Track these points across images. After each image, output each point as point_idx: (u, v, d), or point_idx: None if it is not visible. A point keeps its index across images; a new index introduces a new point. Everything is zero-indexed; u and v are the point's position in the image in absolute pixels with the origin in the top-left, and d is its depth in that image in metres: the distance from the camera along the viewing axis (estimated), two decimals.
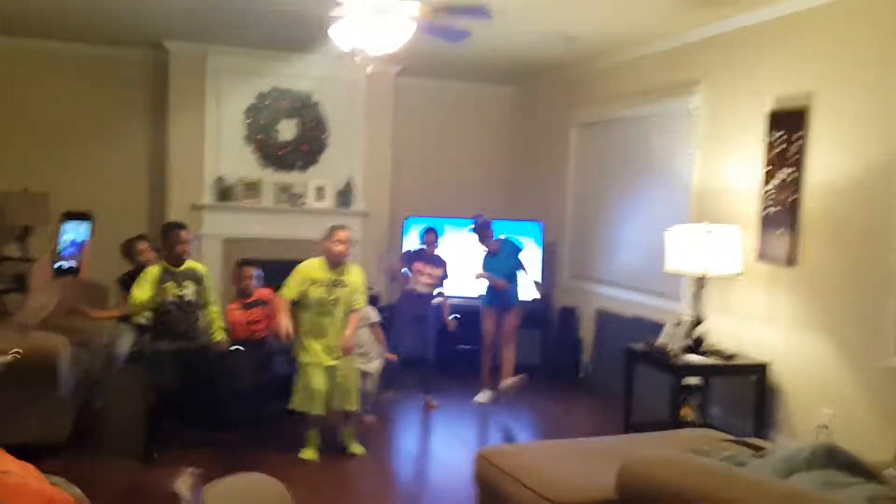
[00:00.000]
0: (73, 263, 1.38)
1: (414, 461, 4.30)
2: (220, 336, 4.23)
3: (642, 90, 5.44)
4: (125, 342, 4.31)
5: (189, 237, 4.16)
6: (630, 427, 4.43)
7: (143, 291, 3.91)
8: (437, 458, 4.17)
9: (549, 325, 6.20)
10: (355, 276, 4.17)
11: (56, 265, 1.38)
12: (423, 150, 7.07)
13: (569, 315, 6.10)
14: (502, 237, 5.40)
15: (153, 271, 4.00)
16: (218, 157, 6.31)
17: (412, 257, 5.28)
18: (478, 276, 5.31)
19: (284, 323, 3.96)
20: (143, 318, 4.15)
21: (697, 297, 4.36)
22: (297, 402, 4.03)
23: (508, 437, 4.73)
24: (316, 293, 4.02)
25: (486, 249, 5.33)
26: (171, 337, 4.02)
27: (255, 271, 4.62)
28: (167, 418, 4.10)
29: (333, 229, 4.11)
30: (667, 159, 5.26)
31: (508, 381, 5.24)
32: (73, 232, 1.36)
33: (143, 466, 3.82)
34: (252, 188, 6.38)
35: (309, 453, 4.06)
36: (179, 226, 4.21)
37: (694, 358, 4.22)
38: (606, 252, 5.93)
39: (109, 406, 4.33)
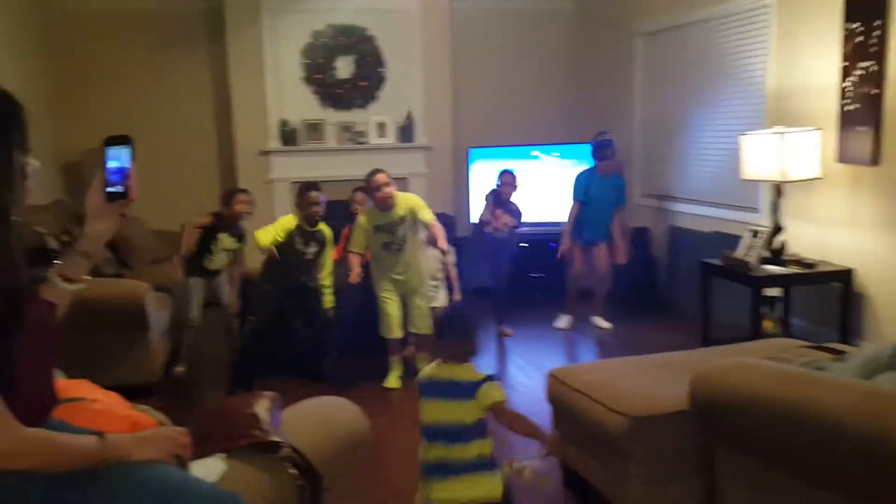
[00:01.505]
0: (120, 188, 1.41)
1: None
2: (329, 303, 4.41)
3: None
4: (196, 297, 4.48)
5: (319, 198, 4.30)
6: (708, 343, 4.34)
7: (266, 235, 4.19)
8: (511, 382, 4.21)
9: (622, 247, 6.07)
10: (405, 204, 4.19)
11: (106, 191, 1.41)
12: (484, 77, 6.90)
13: (641, 235, 5.96)
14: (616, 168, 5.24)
15: (290, 221, 4.27)
16: (280, 100, 6.37)
17: (490, 200, 5.22)
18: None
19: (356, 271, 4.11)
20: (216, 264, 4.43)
21: (776, 205, 4.18)
22: (382, 330, 4.22)
23: (584, 360, 4.74)
24: (381, 239, 4.14)
25: (599, 170, 5.18)
26: (282, 283, 4.25)
27: (365, 198, 4.64)
28: (260, 358, 4.28)
29: (373, 176, 4.15)
30: (739, 62, 4.98)
31: (601, 322, 5.28)
32: (117, 157, 1.39)
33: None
34: (315, 129, 6.43)
35: (392, 381, 4.20)
36: (312, 186, 4.36)
37: (774, 268, 4.08)
38: (678, 167, 5.72)
39: (198, 347, 4.56)
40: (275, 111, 6.36)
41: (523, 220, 5.35)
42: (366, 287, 4.38)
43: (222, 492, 1.42)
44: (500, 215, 5.15)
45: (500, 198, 5.21)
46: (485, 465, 2.09)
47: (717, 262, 4.37)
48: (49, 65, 5.95)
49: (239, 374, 4.18)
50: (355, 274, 4.12)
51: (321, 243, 4.38)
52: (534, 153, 6.21)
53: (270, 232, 4.25)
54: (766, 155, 4.08)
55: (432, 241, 4.30)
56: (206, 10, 6.41)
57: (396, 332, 4.21)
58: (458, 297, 4.71)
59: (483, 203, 5.34)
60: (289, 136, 6.36)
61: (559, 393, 2.86)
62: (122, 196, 1.42)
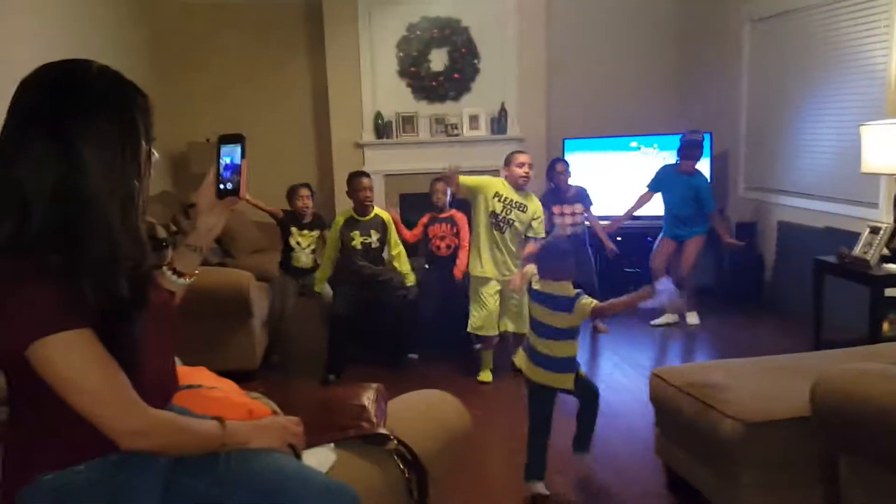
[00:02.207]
0: (231, 185, 1.43)
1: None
2: (411, 280, 4.41)
3: None
4: (288, 295, 4.57)
5: (369, 184, 4.35)
6: (821, 346, 4.10)
7: (329, 249, 4.36)
8: (607, 380, 4.10)
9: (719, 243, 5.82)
10: (536, 204, 4.16)
11: (218, 187, 1.44)
12: (580, 67, 6.71)
13: (747, 230, 5.68)
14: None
15: (338, 222, 4.33)
16: (374, 93, 6.42)
17: (548, 201, 5.02)
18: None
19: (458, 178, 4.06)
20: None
21: None
22: (472, 324, 4.16)
23: (685, 360, 4.57)
24: (494, 206, 4.05)
25: (684, 171, 5.01)
26: (355, 274, 4.30)
27: (446, 188, 4.66)
28: (349, 346, 4.37)
29: (513, 154, 4.15)
30: (857, 49, 4.66)
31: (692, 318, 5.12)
32: (230, 154, 1.42)
33: (322, 387, 4.13)
34: (408, 122, 6.46)
35: (485, 375, 4.17)
36: (361, 174, 4.43)
37: (895, 267, 3.81)
38: (788, 159, 5.42)
39: (292, 335, 4.68)
40: (370, 104, 6.43)
41: (621, 212, 5.19)
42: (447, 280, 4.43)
43: (336, 483, 1.42)
44: (560, 209, 4.93)
45: (557, 192, 4.99)
46: (567, 364, 2.77)
47: (831, 259, 4.12)
48: (155, 57, 6.21)
49: (330, 364, 4.28)
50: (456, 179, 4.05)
51: (381, 229, 4.36)
52: (633, 144, 6.03)
53: (327, 257, 4.38)
54: (889, 146, 3.80)
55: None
56: (305, 4, 6.54)
57: (492, 330, 4.13)
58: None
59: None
60: (383, 128, 6.42)
61: (664, 394, 2.75)
62: (233, 193, 1.45)
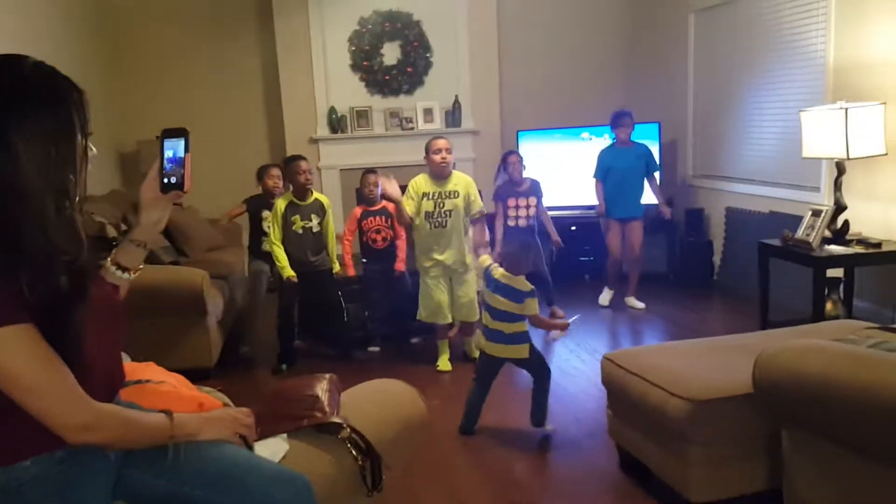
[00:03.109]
0: (175, 178, 1.43)
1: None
2: (336, 268, 4.43)
3: None
4: (264, 278, 4.57)
5: (308, 167, 4.32)
6: (768, 326, 4.24)
7: (275, 233, 4.22)
8: (563, 366, 4.17)
9: (675, 228, 5.97)
10: (463, 182, 4.17)
11: (163, 181, 1.43)
12: (532, 59, 6.80)
13: (696, 216, 5.84)
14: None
15: (279, 206, 4.23)
16: (327, 88, 6.41)
17: (503, 193, 5.06)
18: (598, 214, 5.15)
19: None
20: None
21: (838, 183, 4.03)
22: (423, 314, 4.21)
23: (637, 344, 4.67)
24: (427, 207, 4.08)
25: (617, 139, 5.13)
26: (298, 263, 4.25)
27: (378, 180, 4.66)
28: (296, 335, 4.41)
29: (431, 141, 4.15)
30: (797, 36, 4.81)
31: (635, 302, 5.22)
32: (173, 148, 1.41)
33: (274, 377, 4.17)
34: (362, 116, 6.46)
35: (443, 364, 4.21)
36: (299, 157, 4.40)
37: (837, 248, 3.95)
38: (734, 146, 5.57)
39: (254, 328, 4.67)
40: (323, 99, 6.40)
41: (573, 202, 5.27)
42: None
43: (288, 471, 1.44)
44: (514, 202, 4.96)
45: (512, 184, 5.02)
46: (519, 337, 3.19)
47: (776, 242, 4.25)
48: (102, 54, 6.08)
49: (282, 355, 4.32)
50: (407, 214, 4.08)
51: (320, 212, 4.33)
52: (584, 135, 6.12)
53: (274, 239, 4.27)
54: (828, 131, 3.93)
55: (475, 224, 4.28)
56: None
57: (446, 318, 4.19)
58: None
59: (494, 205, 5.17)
60: (337, 123, 6.40)
61: (615, 376, 2.82)
62: (177, 187, 1.44)
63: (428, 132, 6.41)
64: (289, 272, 4.20)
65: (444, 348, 4.26)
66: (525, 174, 4.99)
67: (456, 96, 6.47)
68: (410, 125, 6.47)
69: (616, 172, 5.11)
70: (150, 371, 1.64)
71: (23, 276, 1.14)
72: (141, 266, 1.49)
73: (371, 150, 6.42)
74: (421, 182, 4.14)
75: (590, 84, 6.88)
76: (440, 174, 4.09)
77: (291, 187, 4.33)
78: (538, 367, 3.27)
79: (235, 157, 6.40)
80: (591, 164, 5.30)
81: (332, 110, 6.39)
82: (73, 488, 1.26)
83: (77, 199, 1.25)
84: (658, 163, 5.34)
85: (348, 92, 6.43)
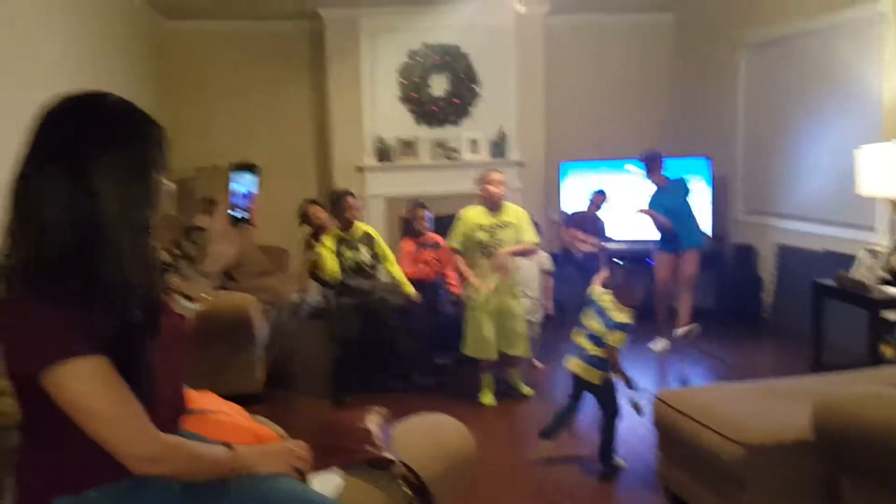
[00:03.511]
0: (245, 213, 1.46)
1: (588, 406, 4.27)
2: (409, 290, 4.44)
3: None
4: (312, 297, 4.63)
5: (356, 203, 4.40)
6: (821, 368, 4.11)
7: (331, 264, 4.26)
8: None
9: (724, 265, 5.86)
10: (516, 214, 4.18)
11: (232, 215, 1.46)
12: (579, 92, 6.83)
13: (745, 253, 5.73)
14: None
15: (327, 242, 4.29)
16: (375, 118, 6.50)
17: (569, 221, 5.17)
18: (640, 211, 5.08)
19: (475, 281, 4.06)
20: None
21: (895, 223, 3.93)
22: (469, 349, 4.17)
23: (685, 382, 4.57)
24: (480, 236, 4.08)
25: (654, 184, 5.09)
26: (354, 295, 4.30)
27: (427, 213, 4.69)
28: (353, 367, 4.39)
29: (486, 172, 4.17)
30: (852, 74, 4.73)
31: (682, 330, 5.07)
32: (243, 183, 1.44)
33: (333, 408, 4.14)
34: (409, 146, 6.53)
35: (486, 397, 4.17)
36: (346, 193, 4.46)
37: (894, 290, 3.83)
38: (786, 183, 5.47)
39: (299, 356, 4.71)
40: (371, 128, 6.50)
41: (619, 236, 5.26)
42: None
43: None
44: (575, 233, 5.06)
45: (584, 218, 5.14)
46: (597, 362, 3.22)
47: (831, 282, 4.15)
48: (161, 84, 6.28)
49: (340, 385, 4.32)
50: (478, 285, 4.04)
51: (370, 243, 4.41)
52: (628, 167, 6.08)
53: (328, 259, 4.33)
54: (885, 170, 3.85)
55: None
56: (308, 32, 6.63)
57: (491, 354, 4.13)
58: (547, 311, 4.68)
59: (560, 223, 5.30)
60: (384, 152, 6.48)
61: (667, 417, 2.77)
62: (246, 221, 1.47)
63: (473, 163, 6.47)
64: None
65: (488, 382, 4.22)
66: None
67: (501, 127, 6.51)
68: (456, 155, 6.52)
69: (665, 212, 5.04)
70: (208, 400, 1.66)
71: (99, 308, 1.17)
72: (208, 297, 1.51)
73: (417, 179, 6.48)
74: (477, 212, 4.16)
75: (635, 117, 6.86)
76: (493, 206, 4.11)
77: (337, 221, 4.40)
78: (606, 401, 3.26)
79: (285, 183, 6.49)
80: (635, 198, 5.28)
81: (379, 139, 6.47)
82: None
83: (152, 232, 1.28)
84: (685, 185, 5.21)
85: (396, 122, 6.51)
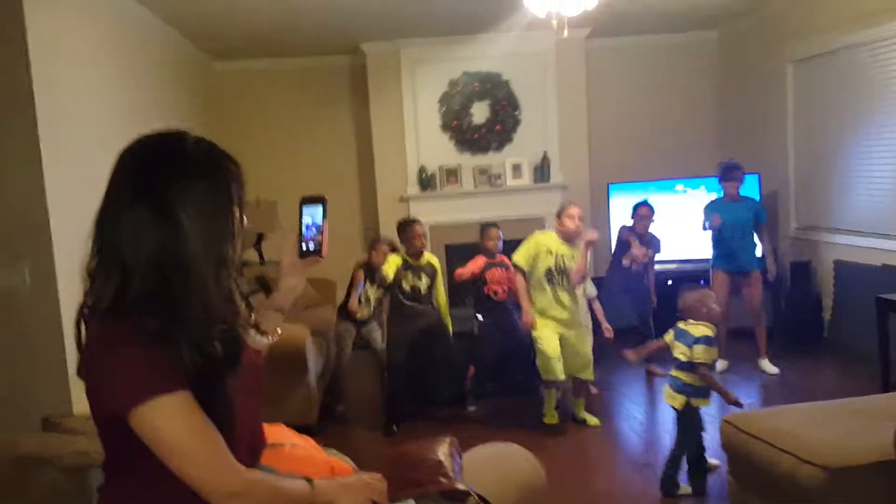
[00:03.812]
0: (314, 245, 1.47)
1: (647, 429, 4.18)
2: (448, 322, 4.47)
3: (870, 11, 4.81)
4: (349, 338, 4.63)
5: (423, 231, 4.44)
6: (890, 387, 3.97)
7: (390, 268, 4.29)
8: (669, 427, 4.00)
9: (780, 283, 5.72)
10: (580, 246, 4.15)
11: (301, 248, 1.47)
12: (622, 113, 6.78)
13: (802, 270, 5.57)
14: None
15: (394, 262, 4.34)
16: (418, 147, 6.55)
17: (625, 234, 5.11)
18: (707, 224, 4.92)
19: (528, 317, 4.05)
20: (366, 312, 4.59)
21: None
22: (539, 368, 4.13)
23: (748, 405, 4.45)
24: (547, 262, 4.06)
25: (727, 196, 4.99)
26: (405, 320, 4.30)
27: (499, 233, 4.66)
28: (406, 395, 4.40)
29: (566, 206, 4.16)
30: None
31: (769, 368, 4.98)
32: (311, 215, 1.46)
33: (385, 438, 4.15)
34: (451, 174, 6.55)
35: (550, 417, 4.13)
36: (414, 221, 4.50)
37: None
38: (841, 197, 5.33)
39: (349, 386, 4.72)
40: (414, 158, 6.54)
41: (670, 256, 5.18)
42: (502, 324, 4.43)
43: None
44: (637, 245, 5.00)
45: (634, 231, 5.07)
46: (683, 387, 3.19)
47: (894, 297, 4.01)
48: (208, 123, 6.42)
49: (392, 414, 4.29)
50: (530, 318, 4.07)
51: (431, 275, 4.42)
52: (678, 187, 6.01)
53: (391, 266, 4.35)
54: None
55: None
56: (349, 66, 6.74)
57: (559, 374, 4.06)
58: (608, 333, 4.58)
59: (616, 237, 5.25)
60: (427, 181, 6.52)
61: (736, 441, 2.69)
62: (315, 253, 1.48)
63: (516, 188, 6.47)
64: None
65: (551, 399, 4.16)
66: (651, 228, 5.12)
67: (544, 152, 6.50)
68: (499, 181, 6.52)
69: (725, 227, 4.92)
70: (281, 433, 1.66)
71: (183, 344, 1.18)
72: (279, 331, 1.52)
73: (460, 206, 6.49)
74: (547, 238, 4.15)
75: (681, 135, 6.79)
76: (570, 238, 4.10)
77: (405, 247, 4.43)
78: (685, 428, 3.23)
79: (330, 215, 6.55)
80: (685, 218, 5.20)
81: (422, 169, 6.51)
82: None
83: (233, 268, 1.30)
84: (760, 205, 5.18)
85: (438, 151, 6.55)
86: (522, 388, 4.57)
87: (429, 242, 6.50)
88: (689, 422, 3.20)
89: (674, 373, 3.26)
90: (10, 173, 3.13)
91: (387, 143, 6.52)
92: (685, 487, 3.18)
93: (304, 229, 1.49)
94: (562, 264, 4.07)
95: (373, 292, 4.65)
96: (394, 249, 4.55)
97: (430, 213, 6.54)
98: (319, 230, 1.48)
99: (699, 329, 3.18)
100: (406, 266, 4.36)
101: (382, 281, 4.34)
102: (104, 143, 3.69)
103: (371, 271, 4.58)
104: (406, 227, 4.45)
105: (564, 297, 4.09)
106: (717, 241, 5.01)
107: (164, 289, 1.21)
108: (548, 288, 4.08)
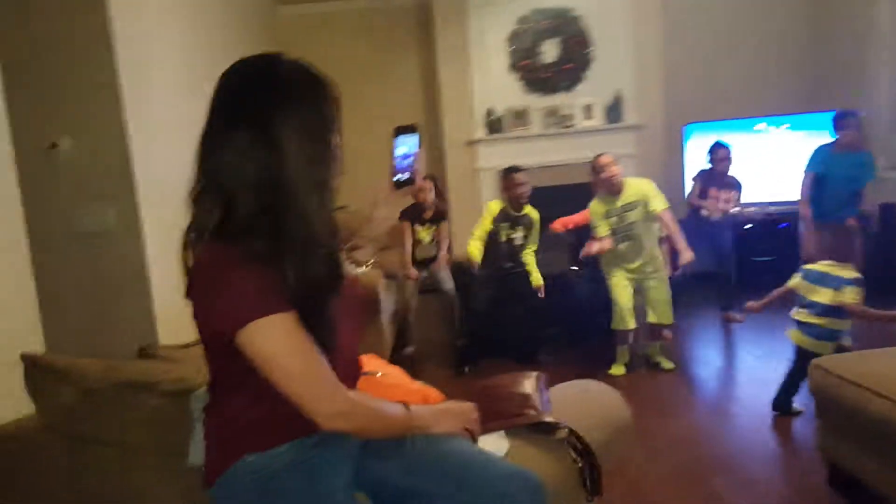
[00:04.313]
0: (408, 175, 1.44)
1: (724, 375, 4.09)
2: (537, 281, 4.38)
3: None
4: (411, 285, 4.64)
5: (525, 180, 4.34)
6: None
7: (480, 230, 4.27)
8: (750, 374, 3.91)
9: (866, 226, 5.43)
10: (638, 189, 4.02)
11: (394, 179, 1.44)
12: (700, 46, 6.46)
13: (891, 211, 5.29)
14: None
15: (493, 208, 4.30)
16: (485, 89, 6.41)
17: (706, 179, 4.91)
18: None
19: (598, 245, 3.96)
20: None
21: None
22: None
23: (838, 350, 4.30)
24: (611, 225, 3.99)
25: (844, 147, 4.70)
26: (491, 267, 4.30)
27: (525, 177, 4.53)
28: (478, 341, 4.40)
29: (595, 160, 4.05)
30: None
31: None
32: (405, 144, 1.42)
33: (456, 379, 4.19)
34: (520, 116, 6.42)
35: (617, 369, 4.09)
36: (517, 169, 4.42)
37: None
38: None
39: (416, 328, 4.77)
40: (481, 101, 6.42)
41: (748, 199, 4.97)
42: (590, 275, 4.33)
43: (522, 469, 1.40)
44: (716, 193, 4.81)
45: (713, 175, 4.87)
46: (827, 333, 3.15)
47: None
48: None
49: (464, 356, 4.31)
50: (596, 247, 3.97)
51: (528, 227, 4.35)
52: (760, 126, 5.74)
53: (477, 235, 4.29)
54: None
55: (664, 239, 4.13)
56: (415, 7, 6.61)
57: (630, 323, 4.04)
58: (687, 256, 4.46)
59: (692, 185, 5.03)
60: (494, 124, 6.40)
61: (827, 385, 2.59)
62: (409, 182, 1.44)
63: (588, 129, 6.29)
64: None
65: (623, 355, 4.13)
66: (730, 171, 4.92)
67: (617, 91, 6.28)
68: (569, 123, 6.35)
69: (829, 179, 4.69)
70: (374, 362, 1.67)
71: (288, 266, 1.18)
72: (371, 261, 1.51)
73: (529, 149, 6.36)
74: (597, 206, 4.06)
75: (764, 71, 6.43)
76: (613, 190, 3.99)
77: (505, 197, 4.38)
78: (802, 366, 3.13)
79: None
80: (766, 157, 4.96)
81: (489, 111, 6.39)
82: (322, 475, 1.29)
83: (333, 192, 1.28)
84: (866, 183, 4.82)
85: (506, 92, 6.40)
86: (600, 342, 4.51)
87: (496, 187, 6.45)
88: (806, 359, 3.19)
89: (806, 319, 3.17)
90: (93, 118, 3.19)
91: (453, 85, 6.40)
92: (797, 408, 3.28)
93: (397, 159, 1.46)
94: (623, 220, 3.97)
95: (426, 232, 4.62)
96: (433, 179, 4.57)
97: (498, 157, 6.43)
98: (413, 159, 1.45)
99: (847, 272, 3.09)
100: (504, 217, 4.30)
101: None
102: (180, 86, 3.73)
103: (417, 212, 4.56)
104: (505, 175, 4.40)
105: (633, 247, 4.00)
106: (817, 198, 4.75)
107: (268, 211, 1.20)
108: (617, 244, 4.01)
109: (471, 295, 4.35)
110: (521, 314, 4.39)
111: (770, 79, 6.38)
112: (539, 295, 4.32)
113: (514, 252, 4.36)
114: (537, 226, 4.43)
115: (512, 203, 4.32)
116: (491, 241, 4.31)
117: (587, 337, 4.54)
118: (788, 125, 5.58)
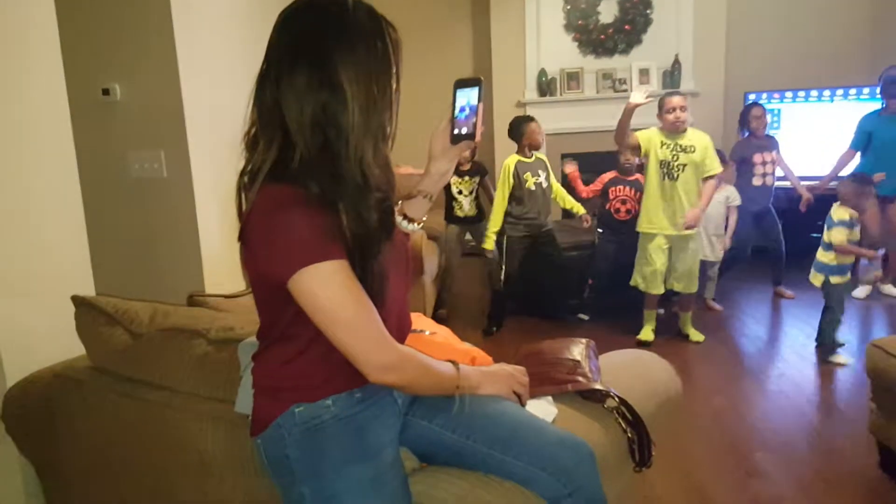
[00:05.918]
0: (467, 129, 1.37)
1: (770, 351, 3.98)
2: (579, 210, 4.41)
3: None
4: (452, 244, 4.64)
5: (539, 129, 4.29)
6: None
7: (503, 193, 4.22)
8: (802, 352, 3.80)
9: None
10: (701, 139, 3.87)
11: (453, 132, 1.38)
12: (764, 10, 6.18)
13: None
14: None
15: (509, 166, 4.24)
16: (539, 50, 6.26)
17: (743, 150, 4.71)
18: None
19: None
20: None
21: None
22: (636, 280, 4.02)
23: (888, 332, 4.16)
24: (664, 155, 3.84)
25: (888, 107, 4.52)
26: (528, 224, 4.22)
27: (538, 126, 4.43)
28: (511, 300, 4.42)
29: (665, 98, 3.87)
30: None
31: (893, 290, 4.71)
32: (466, 97, 1.36)
33: (484, 338, 4.23)
34: (573, 78, 6.25)
35: (645, 334, 4.04)
36: (528, 119, 4.36)
37: None
38: None
39: (455, 290, 4.77)
40: (534, 61, 6.27)
41: (812, 172, 4.77)
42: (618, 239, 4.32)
43: (571, 435, 1.37)
44: (758, 158, 4.62)
45: (749, 143, 4.67)
46: (821, 266, 3.63)
47: None
48: None
49: (490, 317, 4.35)
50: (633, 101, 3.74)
51: (545, 168, 4.33)
52: (821, 96, 5.50)
53: (504, 195, 4.22)
54: None
55: None
56: None
57: (660, 288, 3.96)
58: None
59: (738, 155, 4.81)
60: (546, 86, 6.26)
61: (884, 366, 2.49)
62: (469, 137, 1.38)
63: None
64: (490, 244, 4.24)
65: (651, 319, 4.07)
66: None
67: (676, 55, 6.07)
68: (623, 87, 6.18)
69: (880, 144, 4.48)
70: (421, 321, 1.64)
71: (343, 210, 1.14)
72: (425, 217, 1.47)
73: (581, 113, 6.21)
74: (652, 134, 3.90)
75: (830, 38, 6.12)
76: (676, 131, 3.84)
77: (522, 146, 4.31)
78: (827, 300, 3.66)
79: (442, 120, 6.47)
80: (826, 129, 4.75)
81: (542, 73, 6.24)
82: (368, 429, 1.27)
83: (390, 138, 1.24)
84: None
85: (560, 53, 6.24)
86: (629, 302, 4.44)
87: (545, 151, 6.33)
88: (829, 297, 3.63)
89: (821, 257, 3.60)
90: (145, 64, 3.20)
91: (507, 44, 6.25)
92: (844, 358, 3.60)
93: (457, 113, 1.40)
94: (677, 157, 3.82)
95: (465, 185, 4.56)
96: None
97: (549, 119, 6.26)
98: (474, 113, 1.38)
99: (838, 213, 3.49)
100: (523, 165, 4.24)
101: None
102: (232, 34, 3.72)
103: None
104: (518, 125, 4.33)
105: (679, 195, 3.84)
106: (866, 162, 4.56)
107: (324, 154, 1.17)
108: (663, 184, 3.85)
109: (504, 262, 4.28)
110: (555, 273, 4.37)
111: (833, 49, 6.08)
112: (584, 225, 4.40)
113: (545, 199, 4.30)
114: (550, 169, 4.41)
115: (523, 151, 4.28)
116: (525, 195, 4.23)
117: (616, 300, 4.46)
118: (851, 96, 5.33)
